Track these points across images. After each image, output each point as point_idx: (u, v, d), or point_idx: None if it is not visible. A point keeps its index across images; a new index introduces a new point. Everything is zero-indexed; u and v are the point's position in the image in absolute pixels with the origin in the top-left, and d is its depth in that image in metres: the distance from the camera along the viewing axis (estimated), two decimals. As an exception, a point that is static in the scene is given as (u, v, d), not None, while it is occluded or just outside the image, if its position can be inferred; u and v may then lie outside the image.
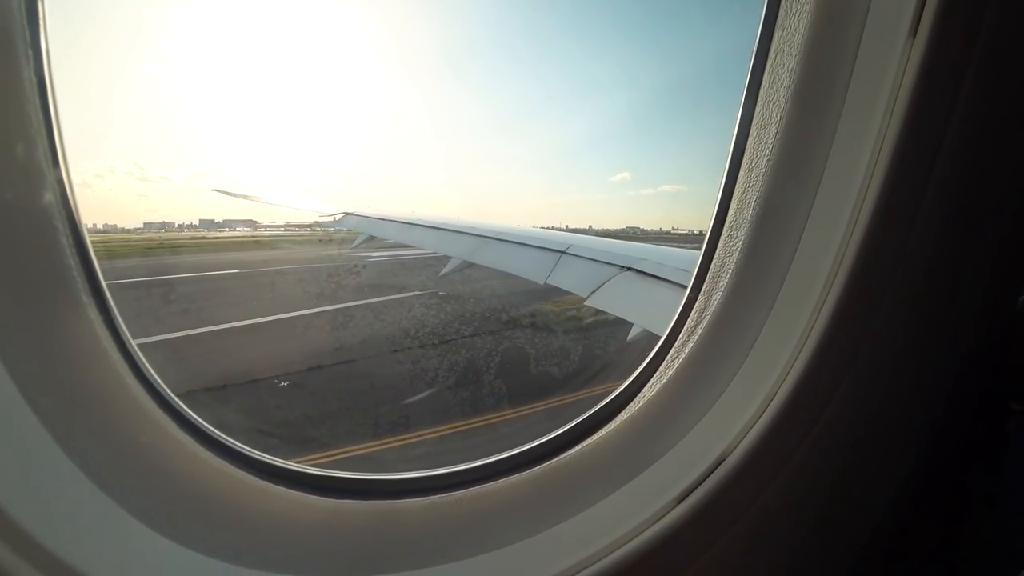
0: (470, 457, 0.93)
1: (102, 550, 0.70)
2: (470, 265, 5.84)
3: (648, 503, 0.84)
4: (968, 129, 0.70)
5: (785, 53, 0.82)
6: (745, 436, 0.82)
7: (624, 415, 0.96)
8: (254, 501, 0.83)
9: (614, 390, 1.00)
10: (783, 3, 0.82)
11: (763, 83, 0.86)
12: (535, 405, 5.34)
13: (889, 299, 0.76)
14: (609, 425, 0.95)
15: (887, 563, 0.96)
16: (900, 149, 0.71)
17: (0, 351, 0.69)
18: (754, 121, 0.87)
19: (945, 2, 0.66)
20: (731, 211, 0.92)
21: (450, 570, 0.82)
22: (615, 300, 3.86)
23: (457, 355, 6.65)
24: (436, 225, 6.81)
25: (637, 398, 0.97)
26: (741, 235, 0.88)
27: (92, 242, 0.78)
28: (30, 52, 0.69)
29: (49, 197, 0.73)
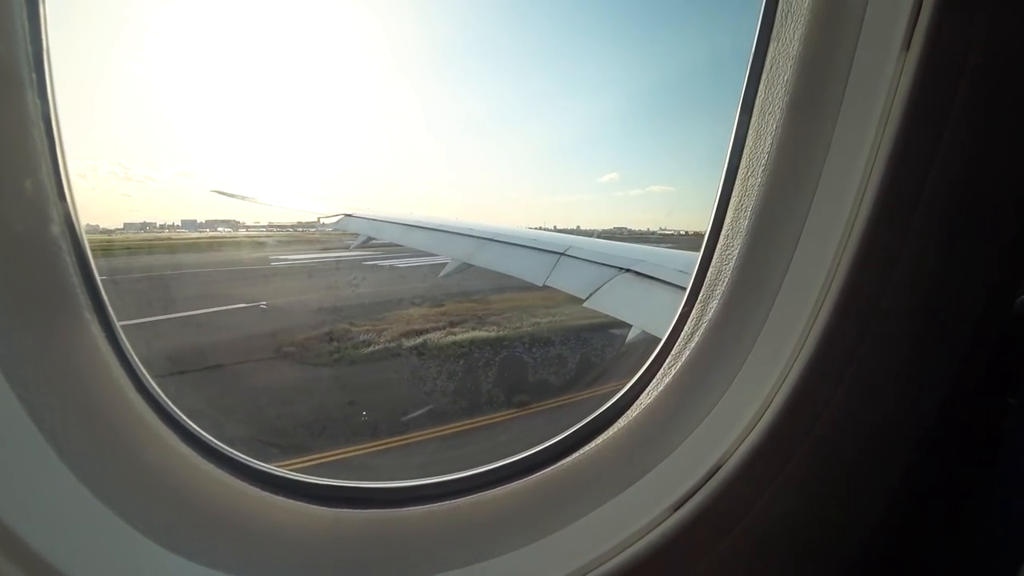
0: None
1: (103, 562, 0.71)
2: (469, 267, 5.83)
3: (645, 510, 0.84)
4: (962, 139, 0.71)
5: (781, 64, 0.82)
6: (742, 443, 0.83)
7: (621, 422, 0.96)
8: (254, 512, 0.83)
9: (611, 397, 1.00)
10: (779, 14, 0.83)
11: (759, 93, 0.86)
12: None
13: (884, 306, 0.77)
14: (606, 432, 0.96)
15: (885, 566, 0.97)
16: (895, 159, 0.71)
17: (3, 365, 0.69)
18: (750, 131, 0.88)
19: (938, 15, 0.67)
20: (727, 220, 0.92)
21: None
22: (614, 302, 3.86)
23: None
24: (432, 226, 6.78)
25: (634, 405, 0.97)
26: (737, 243, 0.89)
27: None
28: (33, 71, 0.69)
29: (52, 214, 0.73)
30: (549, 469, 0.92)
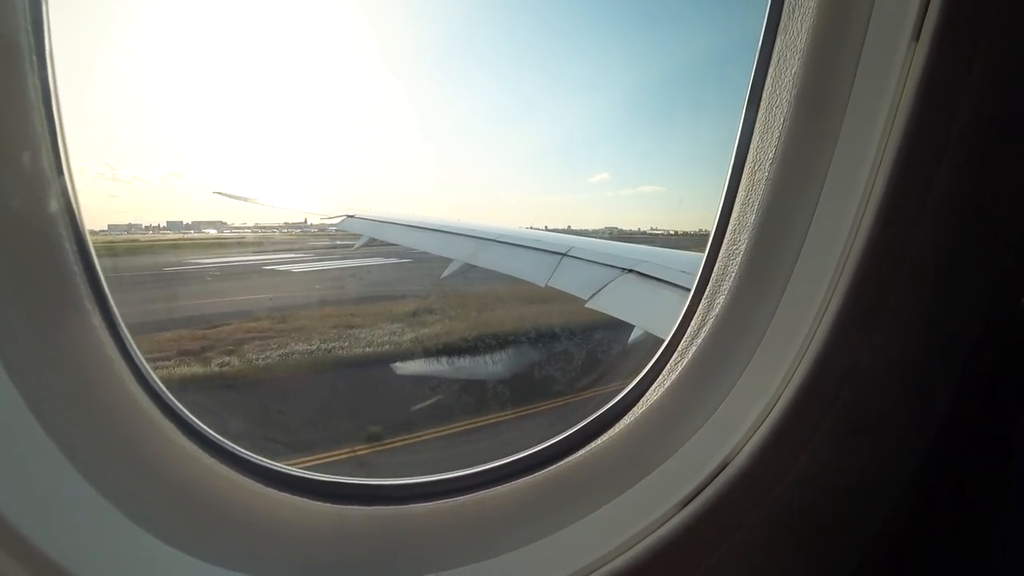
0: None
1: (106, 557, 0.70)
2: (471, 268, 5.83)
3: (652, 508, 0.83)
4: (971, 133, 0.70)
5: (788, 57, 0.82)
6: (749, 440, 0.82)
7: (628, 419, 0.95)
8: (258, 507, 0.83)
9: (617, 394, 1.00)
10: (785, 7, 0.82)
11: (766, 87, 0.86)
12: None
13: (892, 302, 0.76)
14: (613, 429, 0.95)
15: (893, 564, 0.96)
16: (903, 153, 0.71)
17: (4, 358, 0.69)
18: (757, 125, 0.88)
19: (948, 7, 0.66)
20: (734, 214, 0.92)
21: None
22: (616, 303, 3.85)
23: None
24: (432, 227, 6.77)
25: (641, 402, 0.97)
26: (744, 238, 0.88)
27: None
28: (34, 58, 0.69)
29: (53, 204, 0.73)
30: (556, 466, 0.92)
